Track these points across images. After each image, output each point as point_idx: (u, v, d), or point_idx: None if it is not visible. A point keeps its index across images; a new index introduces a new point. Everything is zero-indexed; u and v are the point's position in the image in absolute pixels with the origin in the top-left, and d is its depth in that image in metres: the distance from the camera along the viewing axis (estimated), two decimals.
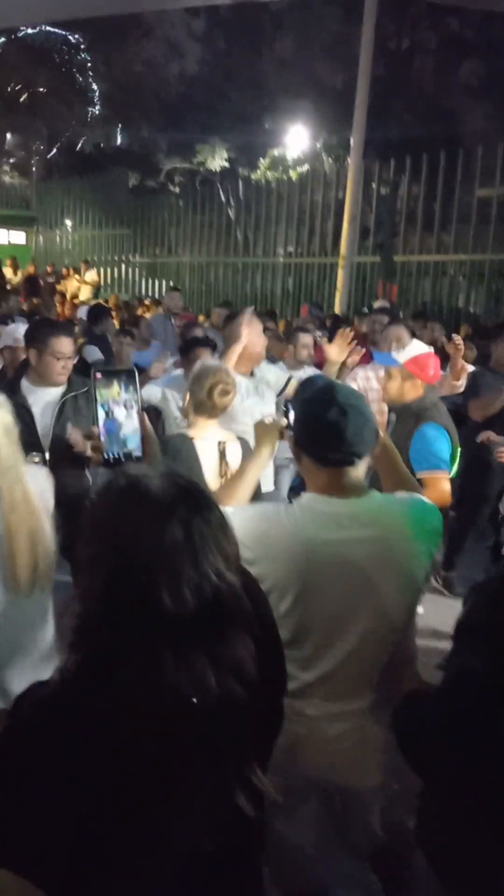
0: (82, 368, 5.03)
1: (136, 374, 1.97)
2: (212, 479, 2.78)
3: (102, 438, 2.08)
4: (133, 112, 19.23)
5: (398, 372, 3.36)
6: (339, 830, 1.89)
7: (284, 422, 2.13)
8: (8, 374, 4.19)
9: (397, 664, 1.81)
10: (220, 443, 2.85)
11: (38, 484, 2.22)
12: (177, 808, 1.07)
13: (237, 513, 1.81)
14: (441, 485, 3.11)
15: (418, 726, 1.58)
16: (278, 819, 1.82)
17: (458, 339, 4.19)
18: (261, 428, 2.17)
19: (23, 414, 3.32)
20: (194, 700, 1.06)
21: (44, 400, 3.41)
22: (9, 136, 20.42)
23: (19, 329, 4.36)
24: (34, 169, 24.98)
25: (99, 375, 1.90)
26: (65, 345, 3.36)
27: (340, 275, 13.17)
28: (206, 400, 2.86)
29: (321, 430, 1.73)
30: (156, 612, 1.04)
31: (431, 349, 3.43)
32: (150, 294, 18.08)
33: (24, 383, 3.42)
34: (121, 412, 2.01)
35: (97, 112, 18.15)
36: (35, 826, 1.03)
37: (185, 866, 1.10)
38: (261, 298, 16.56)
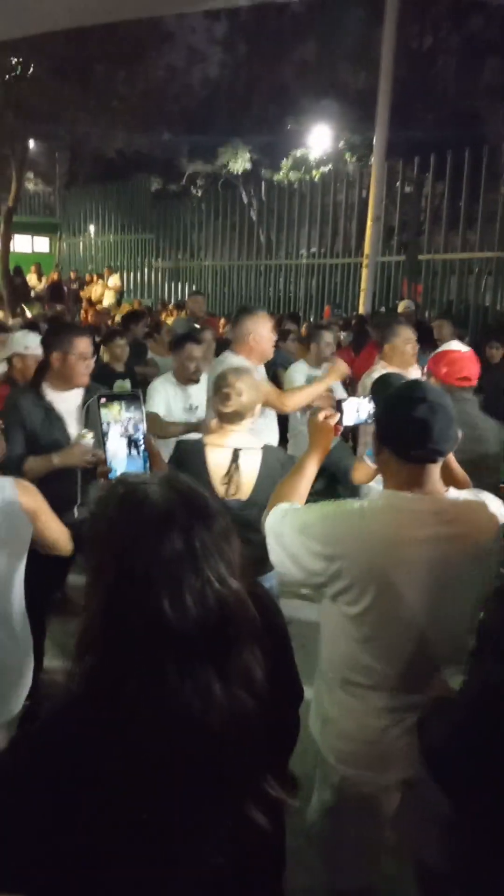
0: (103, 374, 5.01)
1: (141, 397, 1.98)
2: (217, 486, 2.72)
3: (108, 461, 2.08)
4: (155, 117, 19.28)
5: (426, 371, 3.45)
6: (394, 826, 1.92)
7: (337, 417, 2.17)
8: (18, 381, 4.20)
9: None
10: (234, 450, 2.76)
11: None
12: (185, 822, 1.04)
13: (313, 510, 1.85)
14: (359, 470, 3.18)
15: (441, 741, 1.54)
16: (336, 816, 1.92)
17: None
18: (314, 424, 2.17)
19: (53, 417, 3.32)
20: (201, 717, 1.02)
21: (68, 403, 3.39)
22: (32, 144, 20.55)
23: (28, 336, 4.38)
24: (58, 176, 25.24)
25: (103, 401, 1.92)
26: (87, 345, 3.36)
27: (364, 275, 13.07)
28: (216, 406, 2.80)
29: (408, 427, 1.74)
30: (158, 621, 1.01)
31: (466, 349, 3.38)
32: (172, 298, 18.12)
33: (46, 388, 3.38)
34: (124, 435, 2.00)
35: (119, 118, 18.22)
36: (43, 846, 1.00)
37: (197, 882, 1.06)
38: (284, 300, 16.52)
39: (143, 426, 2.00)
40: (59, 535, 2.46)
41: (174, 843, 1.04)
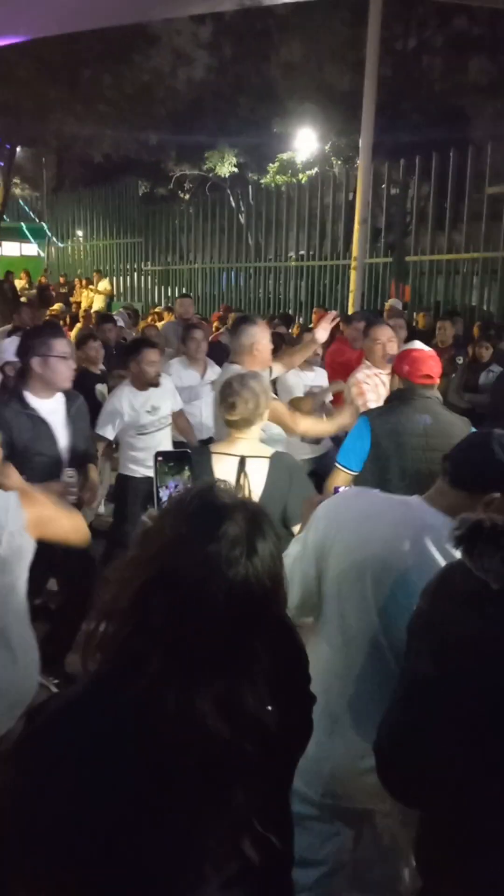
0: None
1: (191, 455, 2.08)
2: None
3: None
4: (141, 120, 19.28)
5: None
6: None
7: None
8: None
9: None
10: (241, 458, 2.76)
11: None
12: (197, 809, 1.06)
13: None
14: (337, 477, 3.31)
15: (379, 740, 1.53)
16: None
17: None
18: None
19: (41, 426, 3.23)
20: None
21: (52, 410, 3.33)
22: (19, 149, 20.51)
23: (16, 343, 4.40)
24: (45, 181, 25.21)
25: (161, 458, 1.98)
26: (66, 345, 3.32)
27: (353, 277, 13.11)
28: (223, 415, 2.81)
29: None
30: (183, 623, 1.04)
31: (428, 349, 3.42)
32: (162, 302, 18.11)
33: (28, 395, 3.29)
34: (175, 492, 2.05)
35: (106, 121, 18.22)
36: (54, 841, 1.01)
37: (209, 874, 1.07)
38: (273, 303, 16.55)
39: (190, 484, 2.05)
40: (70, 530, 2.44)
41: (191, 836, 1.05)
